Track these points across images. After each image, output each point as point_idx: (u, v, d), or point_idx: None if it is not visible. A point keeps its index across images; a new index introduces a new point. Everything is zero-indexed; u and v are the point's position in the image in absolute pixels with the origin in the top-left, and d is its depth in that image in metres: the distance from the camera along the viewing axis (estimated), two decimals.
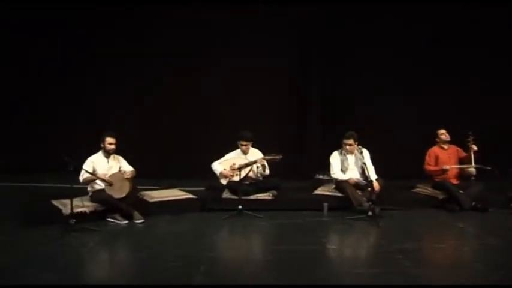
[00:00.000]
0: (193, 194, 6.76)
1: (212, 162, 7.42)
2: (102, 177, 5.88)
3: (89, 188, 6.11)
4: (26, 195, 7.02)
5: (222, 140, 8.43)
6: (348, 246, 5.42)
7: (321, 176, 8.24)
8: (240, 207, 6.22)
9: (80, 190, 6.01)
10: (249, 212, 6.23)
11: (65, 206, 5.84)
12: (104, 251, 5.18)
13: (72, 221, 5.43)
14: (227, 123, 8.61)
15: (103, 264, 4.83)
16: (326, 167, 8.17)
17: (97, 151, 6.19)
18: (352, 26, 8.74)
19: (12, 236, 5.29)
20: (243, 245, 5.48)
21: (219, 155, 8.12)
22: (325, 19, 8.83)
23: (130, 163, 6.33)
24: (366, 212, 6.15)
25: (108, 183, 5.88)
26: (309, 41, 9.01)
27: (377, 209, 6.16)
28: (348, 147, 6.80)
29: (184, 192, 6.79)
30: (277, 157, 6.67)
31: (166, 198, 6.48)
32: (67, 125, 8.69)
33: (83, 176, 5.93)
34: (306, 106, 9.21)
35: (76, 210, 5.68)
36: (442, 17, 8.39)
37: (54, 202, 6.08)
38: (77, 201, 5.93)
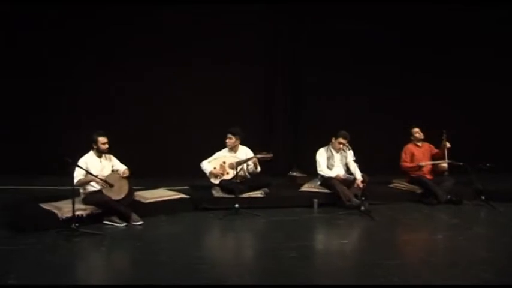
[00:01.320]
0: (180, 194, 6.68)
1: (187, 160, 7.40)
2: (102, 179, 5.63)
3: (81, 190, 5.82)
4: (7, 199, 6.52)
5: (194, 139, 8.58)
6: (357, 240, 5.61)
7: (294, 174, 8.51)
8: (236, 205, 6.24)
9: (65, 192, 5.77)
10: (246, 210, 6.29)
11: (59, 209, 5.54)
12: (120, 255, 4.97)
13: (75, 225, 5.17)
14: (198, 122, 8.69)
15: (127, 269, 4.61)
16: (297, 164, 8.62)
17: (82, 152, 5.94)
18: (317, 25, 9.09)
19: (12, 244, 4.89)
20: (254, 244, 5.48)
21: (192, 154, 8.17)
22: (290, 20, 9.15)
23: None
24: (355, 207, 6.47)
25: (109, 185, 5.63)
26: (274, 40, 9.25)
27: (366, 204, 6.49)
28: (341, 145, 7.06)
29: (175, 192, 6.68)
30: (268, 155, 6.78)
31: (161, 199, 6.35)
32: (45, 127, 8.41)
33: (78, 177, 5.62)
34: (273, 104, 9.43)
35: (71, 214, 5.43)
36: (408, 17, 8.95)
37: (45, 206, 5.74)
38: (66, 204, 5.70)
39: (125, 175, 5.88)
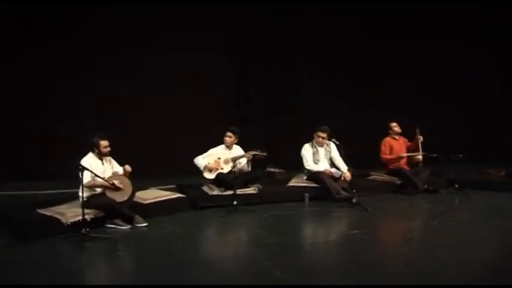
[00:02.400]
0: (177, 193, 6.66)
1: (167, 159, 7.35)
2: (111, 182, 5.48)
3: (84, 194, 5.62)
4: None
5: (172, 140, 8.55)
6: (365, 230, 5.68)
7: (272, 169, 8.69)
8: (235, 202, 6.32)
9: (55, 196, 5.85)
10: (244, 207, 6.38)
11: (62, 215, 5.34)
12: (141, 258, 4.79)
13: (86, 230, 5.02)
14: (171, 123, 8.74)
15: (156, 270, 4.47)
16: (274, 159, 8.78)
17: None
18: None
19: (20, 254, 4.65)
20: (267, 239, 5.35)
21: (173, 153, 8.16)
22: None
23: None
24: (346, 199, 6.77)
25: (117, 188, 5.49)
26: (245, 40, 9.36)
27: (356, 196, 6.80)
28: (320, 139, 7.30)
29: (171, 192, 6.63)
30: (263, 154, 6.89)
31: (159, 199, 6.28)
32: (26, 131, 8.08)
33: (87, 179, 5.42)
34: (246, 102, 9.57)
35: (76, 219, 5.28)
36: (372, 11, 9.46)
37: (44, 212, 5.49)
38: (67, 209, 5.52)
39: (128, 172, 5.76)
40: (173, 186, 7.30)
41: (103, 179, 5.45)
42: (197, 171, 7.13)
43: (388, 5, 9.34)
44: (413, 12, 9.56)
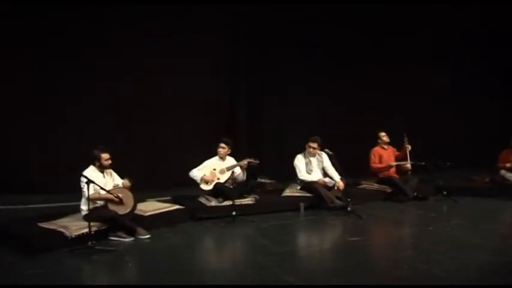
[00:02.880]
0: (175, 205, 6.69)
1: (161, 171, 7.41)
2: (115, 194, 5.50)
3: (86, 207, 5.62)
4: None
5: (158, 151, 8.58)
6: (364, 237, 5.93)
7: (262, 180, 8.80)
8: (234, 213, 6.40)
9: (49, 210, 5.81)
10: (243, 217, 6.47)
11: (66, 228, 5.32)
12: (152, 269, 4.75)
13: (92, 242, 5.02)
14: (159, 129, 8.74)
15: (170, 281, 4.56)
16: (265, 170, 8.87)
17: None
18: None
19: (32, 268, 4.59)
20: (272, 247, 5.46)
21: (167, 165, 8.20)
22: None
23: None
24: (340, 208, 6.94)
25: (121, 200, 5.52)
26: (234, 49, 9.51)
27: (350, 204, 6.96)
28: (311, 150, 7.47)
29: (169, 204, 6.67)
30: (256, 161, 7.02)
31: (159, 211, 6.30)
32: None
33: (91, 191, 5.40)
34: (234, 112, 9.67)
35: (80, 232, 5.29)
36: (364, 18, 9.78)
37: (45, 225, 5.46)
38: (69, 222, 5.52)
39: (129, 185, 5.80)
40: (168, 198, 7.33)
41: (108, 191, 5.47)
42: (188, 183, 7.29)
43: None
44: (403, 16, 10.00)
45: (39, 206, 7.29)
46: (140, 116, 8.68)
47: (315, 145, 7.47)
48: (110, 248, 5.23)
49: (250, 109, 9.68)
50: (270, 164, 9.05)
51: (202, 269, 4.71)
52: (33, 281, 4.33)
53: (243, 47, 9.54)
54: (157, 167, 8.73)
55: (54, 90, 8.08)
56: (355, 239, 5.64)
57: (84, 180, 5.48)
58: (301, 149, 7.61)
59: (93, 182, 5.23)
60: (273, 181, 8.73)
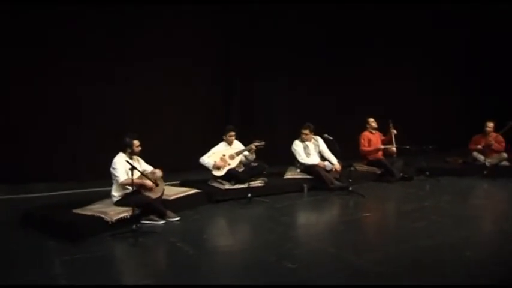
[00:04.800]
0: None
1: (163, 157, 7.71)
2: (152, 177, 5.76)
3: (118, 193, 5.83)
4: (21, 208, 6.09)
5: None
6: (374, 212, 6.67)
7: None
8: (249, 195, 6.83)
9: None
10: (258, 198, 6.92)
11: (105, 213, 5.52)
12: (202, 247, 5.10)
13: (137, 226, 5.25)
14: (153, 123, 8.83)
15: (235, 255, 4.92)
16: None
17: None
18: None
19: (85, 252, 4.79)
20: (304, 223, 6.19)
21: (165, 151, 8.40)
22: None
23: None
24: (341, 188, 7.54)
25: (156, 184, 5.79)
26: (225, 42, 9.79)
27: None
28: (304, 136, 8.01)
29: (188, 188, 6.95)
30: (262, 143, 7.44)
31: (181, 195, 6.58)
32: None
33: (124, 177, 5.68)
34: (228, 103, 10.00)
35: (119, 216, 5.52)
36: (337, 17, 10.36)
37: (81, 211, 5.63)
38: (105, 207, 5.72)
39: (161, 174, 6.06)
40: (177, 182, 7.61)
41: (147, 176, 5.72)
42: (185, 169, 7.99)
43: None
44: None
45: (44, 194, 7.34)
46: (137, 105, 8.79)
47: (306, 131, 8.01)
48: (151, 231, 5.49)
49: (242, 103, 10.02)
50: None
51: (238, 244, 5.16)
52: (84, 264, 4.49)
53: (234, 46, 9.84)
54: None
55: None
56: (368, 214, 6.29)
57: (119, 167, 5.72)
58: (294, 137, 8.12)
59: (136, 168, 5.43)
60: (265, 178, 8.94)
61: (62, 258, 4.58)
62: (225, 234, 5.89)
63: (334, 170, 7.90)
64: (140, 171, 5.63)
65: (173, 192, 6.61)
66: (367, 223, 6.10)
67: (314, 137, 8.14)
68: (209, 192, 6.98)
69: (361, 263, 4.44)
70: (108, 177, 5.93)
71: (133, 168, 5.34)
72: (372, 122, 8.79)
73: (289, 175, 8.06)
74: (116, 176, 5.78)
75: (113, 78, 8.50)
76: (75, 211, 5.65)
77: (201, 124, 9.45)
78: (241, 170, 7.41)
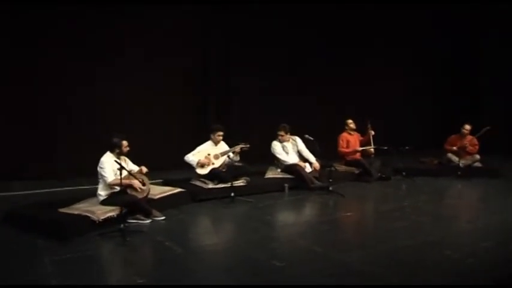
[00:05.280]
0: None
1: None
2: (140, 177, 5.79)
3: (104, 192, 5.85)
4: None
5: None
6: (355, 212, 6.88)
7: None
8: (232, 194, 6.93)
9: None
10: (241, 198, 7.02)
11: (92, 213, 5.53)
12: (192, 245, 5.25)
13: (124, 225, 5.28)
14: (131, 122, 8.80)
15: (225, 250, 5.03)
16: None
17: None
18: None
19: (75, 251, 4.80)
20: (285, 223, 6.30)
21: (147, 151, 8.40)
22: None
23: None
24: (321, 188, 7.70)
25: (143, 183, 5.83)
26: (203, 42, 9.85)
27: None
28: (280, 137, 8.16)
29: (172, 187, 6.99)
30: (247, 145, 7.55)
31: (165, 194, 6.63)
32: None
33: (112, 177, 5.72)
34: (204, 103, 10.05)
35: (106, 215, 5.55)
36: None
37: (68, 210, 5.62)
38: (91, 206, 5.73)
39: (146, 171, 6.10)
40: (160, 180, 7.66)
41: (135, 176, 5.75)
42: (167, 168, 8.08)
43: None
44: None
45: (21, 193, 7.31)
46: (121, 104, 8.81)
47: (282, 132, 8.15)
48: (138, 230, 5.53)
49: (219, 101, 10.09)
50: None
51: (227, 245, 5.25)
52: (74, 263, 4.51)
53: (214, 45, 9.92)
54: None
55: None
56: (349, 214, 6.48)
57: (107, 167, 5.75)
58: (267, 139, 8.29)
59: (124, 168, 5.46)
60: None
61: (52, 258, 4.59)
62: (211, 233, 5.96)
63: (313, 169, 8.07)
64: (128, 171, 5.67)
65: (158, 191, 6.65)
66: (349, 222, 6.27)
67: (292, 137, 8.29)
68: (193, 192, 7.05)
69: (349, 261, 4.58)
70: (88, 176, 5.95)
71: (121, 168, 5.37)
72: (351, 124, 9.00)
73: (270, 174, 8.19)
74: (103, 176, 5.80)
75: (93, 78, 8.51)
76: (62, 210, 5.65)
77: (182, 124, 9.51)
78: (224, 170, 7.50)
